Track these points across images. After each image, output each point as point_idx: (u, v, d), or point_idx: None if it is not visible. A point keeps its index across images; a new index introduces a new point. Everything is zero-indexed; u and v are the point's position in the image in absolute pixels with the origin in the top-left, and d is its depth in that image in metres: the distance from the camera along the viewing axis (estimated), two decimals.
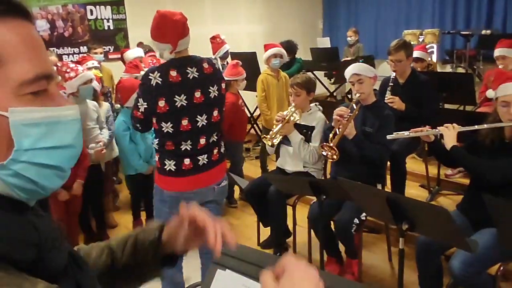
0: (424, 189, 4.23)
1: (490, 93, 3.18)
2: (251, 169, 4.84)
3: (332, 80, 6.52)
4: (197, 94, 2.17)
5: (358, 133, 2.77)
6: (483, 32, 5.25)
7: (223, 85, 2.29)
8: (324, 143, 2.69)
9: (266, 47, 4.44)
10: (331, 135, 2.71)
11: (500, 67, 4.18)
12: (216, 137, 2.29)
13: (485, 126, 2.31)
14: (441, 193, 4.12)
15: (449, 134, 2.37)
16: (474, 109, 4.27)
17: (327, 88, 6.66)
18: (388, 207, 1.92)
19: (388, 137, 2.54)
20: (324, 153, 2.67)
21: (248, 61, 4.99)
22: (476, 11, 6.05)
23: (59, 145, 0.61)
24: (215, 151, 2.30)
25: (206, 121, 2.21)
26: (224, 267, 0.84)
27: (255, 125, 5.87)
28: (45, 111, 0.60)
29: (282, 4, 7.52)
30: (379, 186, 3.02)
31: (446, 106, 4.22)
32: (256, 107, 4.94)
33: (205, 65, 2.20)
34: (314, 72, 6.73)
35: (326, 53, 6.55)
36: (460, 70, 5.63)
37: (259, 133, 5.75)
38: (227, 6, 6.91)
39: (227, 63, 4.68)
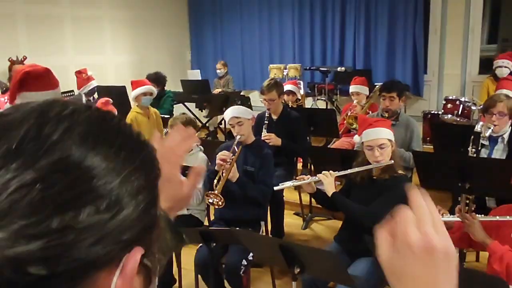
0: (298, 216, 4.47)
1: (356, 138, 3.56)
2: None
3: (205, 112, 6.57)
4: None
5: (241, 175, 2.82)
6: (338, 69, 5.85)
7: None
8: (210, 192, 2.67)
9: (134, 84, 4.22)
10: (215, 181, 2.71)
11: (354, 102, 4.69)
12: None
13: (356, 169, 2.56)
14: (314, 220, 4.39)
15: (328, 181, 2.55)
16: (335, 141, 4.72)
17: (199, 120, 6.67)
18: (281, 253, 1.97)
19: (275, 188, 2.65)
20: (210, 200, 2.66)
21: (117, 95, 4.75)
22: (331, 49, 6.73)
23: None
24: None
25: None
26: None
27: None
28: None
29: (149, 34, 7.37)
30: (262, 224, 3.10)
31: (313, 138, 4.55)
32: None
33: None
34: (186, 103, 6.78)
35: (197, 85, 6.60)
36: (321, 102, 6.16)
37: None
38: (90, 35, 6.51)
39: (94, 99, 4.39)
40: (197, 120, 6.44)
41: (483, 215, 2.12)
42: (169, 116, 4.93)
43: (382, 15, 6.20)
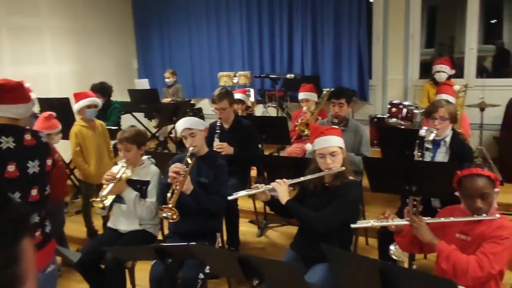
0: (253, 224, 4.47)
1: (308, 146, 3.62)
2: (74, 228, 4.32)
3: (155, 122, 6.44)
4: (11, 168, 1.87)
5: (195, 187, 2.78)
6: (288, 76, 5.93)
7: (49, 162, 2.02)
8: (163, 205, 2.61)
9: (77, 96, 4.00)
10: (169, 194, 2.65)
11: (304, 108, 4.78)
12: (37, 218, 1.99)
13: (309, 177, 2.60)
14: (269, 227, 4.41)
15: (282, 190, 2.56)
16: (288, 147, 4.78)
17: (149, 130, 6.53)
18: (239, 266, 1.96)
19: (229, 197, 2.64)
20: (164, 215, 2.59)
21: (60, 108, 4.55)
22: (279, 56, 6.82)
23: None
24: (37, 233, 2.00)
25: (20, 200, 1.91)
26: None
27: (72, 176, 5.34)
28: None
29: (93, 43, 7.10)
30: (218, 235, 3.07)
31: (266, 146, 4.58)
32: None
33: (27, 136, 1.92)
34: (134, 114, 6.61)
35: (145, 94, 6.45)
36: (272, 109, 6.22)
37: (76, 183, 5.26)
38: (29, 43, 6.17)
39: (34, 114, 4.15)
40: (146, 131, 6.33)
41: (429, 217, 2.21)
42: (116, 128, 4.78)
43: (328, 22, 6.36)
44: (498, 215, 2.09)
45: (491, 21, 7.77)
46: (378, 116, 5.74)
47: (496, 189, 2.12)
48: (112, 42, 7.52)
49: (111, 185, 2.82)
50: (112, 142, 4.20)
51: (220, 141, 3.72)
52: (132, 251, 2.58)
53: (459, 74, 5.83)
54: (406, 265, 2.61)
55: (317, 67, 6.55)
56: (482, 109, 4.77)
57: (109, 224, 3.17)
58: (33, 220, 1.97)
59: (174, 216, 2.57)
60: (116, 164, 3.19)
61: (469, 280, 2.00)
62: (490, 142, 4.91)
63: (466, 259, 2.02)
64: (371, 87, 6.35)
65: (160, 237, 3.26)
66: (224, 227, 3.62)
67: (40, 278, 2.00)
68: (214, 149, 3.60)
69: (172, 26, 7.67)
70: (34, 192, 1.96)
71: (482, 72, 5.92)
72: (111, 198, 2.88)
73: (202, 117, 6.29)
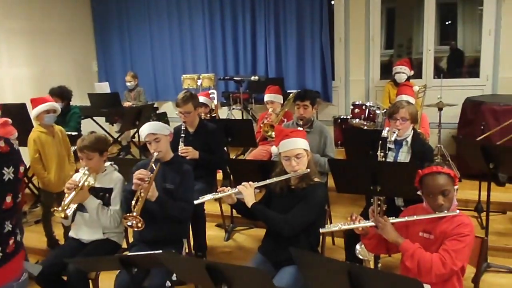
0: (220, 228, 4.44)
1: (273, 149, 3.63)
2: (33, 238, 4.15)
3: (117, 127, 6.28)
4: None
5: (160, 194, 2.73)
6: (252, 78, 5.94)
7: (22, 169, 1.94)
8: (127, 214, 2.54)
9: (34, 102, 3.82)
10: (133, 202, 2.58)
11: (269, 110, 4.79)
12: (10, 226, 1.91)
13: (274, 179, 2.60)
14: (236, 230, 4.39)
15: (248, 193, 2.56)
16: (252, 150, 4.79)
17: (110, 135, 6.37)
18: (207, 274, 1.93)
19: (195, 202, 2.63)
20: (128, 223, 2.52)
21: (17, 114, 4.36)
22: (243, 58, 6.80)
23: None
24: (11, 241, 1.91)
25: None
26: None
27: (30, 184, 5.14)
28: None
29: (50, 43, 6.83)
30: (185, 241, 3.03)
31: (231, 149, 4.56)
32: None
33: (1, 143, 1.83)
34: (95, 118, 6.43)
35: (106, 98, 6.28)
36: (237, 111, 6.20)
37: (35, 192, 5.07)
38: None
39: None
40: (108, 136, 6.18)
41: (394, 217, 2.26)
42: (76, 133, 4.64)
43: (290, 25, 6.42)
44: (458, 211, 2.16)
45: (446, 23, 8.07)
46: (341, 117, 5.85)
47: (456, 186, 2.19)
48: (71, 43, 7.28)
49: (73, 193, 2.73)
50: (72, 148, 4.07)
51: (185, 146, 3.66)
52: (96, 261, 2.50)
53: (418, 74, 6.02)
54: (371, 264, 2.66)
55: (281, 69, 6.59)
56: (440, 109, 4.93)
57: (71, 234, 3.06)
58: (7, 228, 1.88)
59: (139, 225, 2.51)
60: (77, 171, 3.09)
61: (433, 278, 2.05)
62: (449, 140, 5.10)
63: (429, 257, 2.07)
64: (334, 88, 6.45)
65: (124, 245, 3.17)
66: (190, 232, 3.57)
67: (16, 287, 1.92)
68: (179, 153, 3.55)
69: (133, 27, 7.51)
70: (8, 199, 1.88)
71: (439, 72, 6.14)
72: (73, 207, 2.78)
73: (167, 121, 6.22)
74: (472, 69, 6.51)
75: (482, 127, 4.05)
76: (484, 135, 3.85)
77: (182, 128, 3.76)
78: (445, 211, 2.14)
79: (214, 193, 2.62)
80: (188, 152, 3.63)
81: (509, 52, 5.55)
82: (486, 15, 5.67)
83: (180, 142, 3.67)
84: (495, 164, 3.24)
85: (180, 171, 2.91)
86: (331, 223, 3.68)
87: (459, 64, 7.27)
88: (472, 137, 4.03)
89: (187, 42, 7.15)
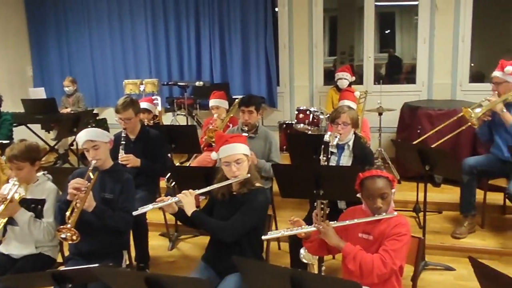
0: (164, 237, 4.32)
1: (213, 155, 3.58)
2: None
3: (53, 134, 5.97)
4: None
5: (98, 204, 2.60)
6: (197, 83, 5.87)
7: None
8: (61, 226, 2.40)
9: None
10: (68, 213, 2.44)
11: (215, 116, 4.73)
12: None
13: (215, 186, 2.56)
14: (181, 238, 4.29)
15: (187, 201, 2.50)
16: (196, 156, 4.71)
17: (46, 143, 6.05)
18: (147, 287, 1.85)
19: (134, 213, 2.54)
20: (62, 236, 2.38)
21: None
22: (187, 63, 6.69)
23: None
24: None
25: None
26: None
27: None
28: None
29: None
30: (125, 253, 2.91)
31: (175, 155, 4.46)
32: None
33: None
34: (29, 125, 6.08)
35: (42, 104, 5.97)
36: (181, 117, 6.09)
37: None
38: None
39: None
40: (44, 144, 5.87)
41: (336, 221, 2.29)
42: (8, 141, 4.39)
43: (235, 30, 6.41)
44: (395, 213, 2.23)
45: (385, 32, 8.44)
46: (286, 122, 5.90)
47: (393, 189, 2.26)
48: (3, 46, 6.85)
49: (2, 207, 2.55)
50: (3, 158, 3.81)
51: (125, 153, 3.53)
52: (26, 278, 2.32)
53: (359, 81, 6.21)
54: (316, 267, 2.69)
55: (226, 74, 6.56)
56: (380, 114, 5.11)
57: (0, 249, 2.85)
58: None
59: (74, 237, 2.37)
60: (7, 182, 2.89)
61: (375, 278, 2.09)
62: (388, 143, 5.28)
63: (370, 258, 2.11)
64: (279, 94, 6.51)
65: (60, 259, 2.99)
66: (132, 243, 3.44)
67: None
68: (119, 161, 3.41)
69: (70, 29, 7.17)
70: None
71: (379, 79, 6.38)
72: (2, 222, 2.60)
73: (106, 128, 5.99)
74: (409, 75, 6.83)
75: (418, 131, 4.22)
76: (420, 139, 4.00)
77: (123, 135, 3.62)
78: (384, 214, 2.20)
79: (154, 203, 2.53)
80: (129, 160, 3.50)
81: (442, 60, 5.86)
82: (421, 24, 5.95)
83: (121, 150, 3.53)
84: (431, 166, 3.38)
85: (120, 180, 2.79)
86: (276, 228, 3.69)
87: (398, 71, 7.61)
88: (410, 140, 4.19)
89: (129, 46, 6.92)
